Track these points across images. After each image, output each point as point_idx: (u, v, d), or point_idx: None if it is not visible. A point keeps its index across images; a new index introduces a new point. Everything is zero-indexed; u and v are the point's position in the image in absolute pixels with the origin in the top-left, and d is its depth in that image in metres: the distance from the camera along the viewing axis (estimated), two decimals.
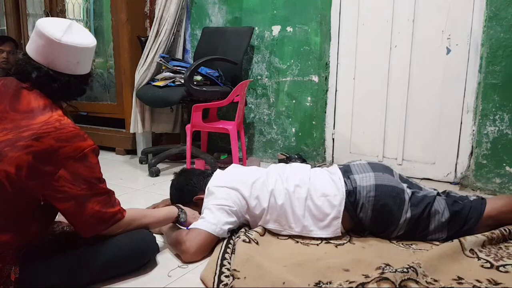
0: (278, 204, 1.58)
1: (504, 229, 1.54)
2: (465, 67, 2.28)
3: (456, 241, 1.46)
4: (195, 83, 2.52)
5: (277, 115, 2.89)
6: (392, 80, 2.53)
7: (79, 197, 1.19)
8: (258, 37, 2.87)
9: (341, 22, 2.67)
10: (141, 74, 2.81)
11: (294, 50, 2.76)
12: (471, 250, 1.44)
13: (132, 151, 3.21)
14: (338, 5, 2.65)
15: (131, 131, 2.94)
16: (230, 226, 1.57)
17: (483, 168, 2.22)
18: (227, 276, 1.30)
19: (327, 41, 2.71)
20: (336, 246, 1.54)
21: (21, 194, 1.15)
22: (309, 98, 2.76)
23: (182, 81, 2.53)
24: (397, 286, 1.18)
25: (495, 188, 2.20)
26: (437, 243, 1.54)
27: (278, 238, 1.61)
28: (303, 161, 2.69)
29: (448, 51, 2.33)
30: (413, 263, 1.30)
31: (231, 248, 1.47)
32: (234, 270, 1.28)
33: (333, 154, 2.82)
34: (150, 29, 2.94)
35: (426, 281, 1.25)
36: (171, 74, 2.66)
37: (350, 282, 1.24)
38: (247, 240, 1.48)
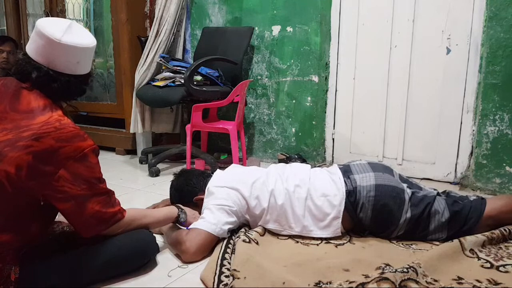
0: (278, 204, 1.58)
1: (504, 229, 1.54)
2: (465, 67, 2.28)
3: (456, 241, 1.46)
4: (195, 83, 2.52)
5: (277, 115, 2.89)
6: (392, 80, 2.53)
7: (79, 197, 1.19)
8: (258, 37, 2.87)
9: (341, 22, 2.67)
10: (141, 74, 2.81)
11: (294, 50, 2.76)
12: (471, 250, 1.44)
13: (132, 151, 3.21)
14: (338, 5, 2.65)
15: (131, 131, 2.94)
16: (230, 226, 1.57)
17: (483, 168, 2.22)
18: (227, 276, 1.30)
19: (327, 41, 2.71)
20: (336, 246, 1.54)
21: (21, 194, 1.15)
22: (309, 98, 2.76)
23: (182, 81, 2.53)
24: (397, 286, 1.18)
25: (495, 188, 2.20)
26: (437, 243, 1.54)
27: (278, 238, 1.61)
28: (303, 161, 2.69)
29: (448, 51, 2.33)
30: (413, 263, 1.30)
31: (231, 248, 1.48)
32: (234, 270, 1.28)
33: (333, 154, 2.82)
34: (150, 29, 2.94)
35: (426, 281, 1.25)
36: (171, 74, 2.66)
37: (350, 282, 1.24)
38: (247, 240, 1.48)
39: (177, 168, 2.12)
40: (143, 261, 1.42)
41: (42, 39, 1.20)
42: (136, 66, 2.88)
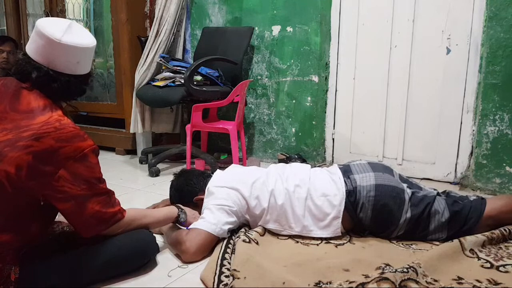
0: (278, 204, 1.58)
1: (504, 229, 1.54)
2: (465, 67, 2.28)
3: (456, 241, 1.46)
4: (195, 83, 2.52)
5: (277, 115, 2.89)
6: (392, 80, 2.53)
7: (79, 197, 1.19)
8: (258, 37, 2.87)
9: (341, 22, 2.67)
10: (141, 74, 2.81)
11: (294, 50, 2.76)
12: (471, 250, 1.44)
13: (132, 151, 3.21)
14: (338, 5, 2.65)
15: (131, 131, 2.94)
16: (230, 226, 1.57)
17: (483, 168, 2.22)
18: (227, 276, 1.30)
19: (327, 41, 2.71)
20: (336, 246, 1.54)
21: (21, 194, 1.15)
22: (309, 98, 2.76)
23: (182, 81, 2.53)
24: (397, 286, 1.18)
25: (495, 188, 2.20)
26: (437, 243, 1.54)
27: (278, 238, 1.61)
28: (303, 161, 2.69)
29: (448, 51, 2.33)
30: (413, 263, 1.30)
31: (231, 248, 1.48)
32: (234, 270, 1.28)
33: (333, 154, 2.82)
34: (150, 29, 2.94)
35: (426, 281, 1.25)
36: (171, 74, 2.66)
37: (350, 282, 1.24)
38: (247, 240, 1.48)
39: (177, 168, 2.12)
40: (143, 261, 1.42)
41: (42, 39, 1.20)
42: (136, 66, 2.88)
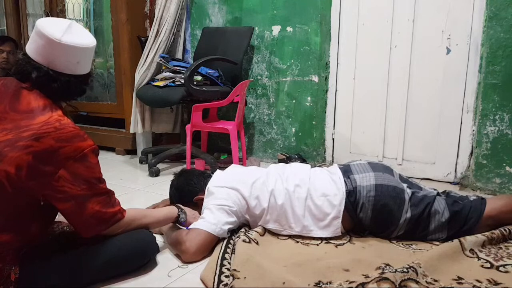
0: (278, 204, 1.58)
1: (504, 229, 1.54)
2: (465, 67, 2.28)
3: (456, 241, 1.46)
4: (195, 83, 2.52)
5: (277, 115, 2.89)
6: (392, 80, 2.53)
7: (79, 197, 1.20)
8: (258, 37, 2.87)
9: (341, 22, 2.67)
10: (141, 74, 2.81)
11: (294, 50, 2.76)
12: (471, 250, 1.44)
13: (132, 151, 3.21)
14: (338, 5, 2.65)
15: (131, 131, 2.94)
16: (230, 226, 1.57)
17: (483, 168, 2.22)
18: (227, 276, 1.30)
19: (327, 41, 2.71)
20: (336, 246, 1.54)
21: (21, 194, 1.15)
22: (309, 98, 2.76)
23: (182, 81, 2.53)
24: (397, 286, 1.18)
25: (495, 188, 2.20)
26: (437, 243, 1.54)
27: (278, 238, 1.61)
28: (303, 161, 2.69)
29: (448, 51, 2.33)
30: (413, 263, 1.30)
31: (231, 248, 1.48)
32: (234, 270, 1.28)
33: (333, 154, 2.82)
34: (150, 29, 2.94)
35: (426, 281, 1.25)
36: (171, 74, 2.66)
37: (350, 282, 1.24)
38: (247, 240, 1.48)
39: (177, 168, 2.12)
40: (143, 261, 1.42)
41: (42, 39, 1.20)
42: (136, 66, 2.88)
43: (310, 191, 1.59)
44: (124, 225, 1.33)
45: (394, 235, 1.58)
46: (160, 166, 2.74)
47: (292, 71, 2.79)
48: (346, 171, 1.65)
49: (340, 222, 1.57)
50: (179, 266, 1.45)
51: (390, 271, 1.24)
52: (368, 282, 1.21)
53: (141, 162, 2.95)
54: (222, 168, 1.85)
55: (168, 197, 1.85)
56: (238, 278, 1.25)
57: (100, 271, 1.31)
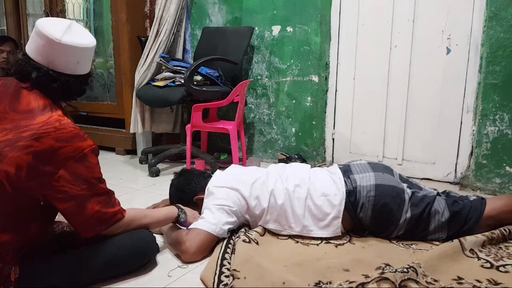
0: (278, 204, 1.58)
1: (504, 229, 1.54)
2: (465, 67, 2.28)
3: (456, 241, 1.46)
4: (195, 83, 2.52)
5: (277, 115, 2.89)
6: (392, 80, 2.53)
7: (79, 197, 1.19)
8: (258, 37, 2.87)
9: (341, 22, 2.67)
10: (141, 74, 2.81)
11: (294, 50, 2.76)
12: (471, 250, 1.44)
13: (132, 151, 3.21)
14: (338, 5, 2.65)
15: (131, 131, 2.94)
16: (230, 226, 1.57)
17: (483, 168, 2.22)
18: (227, 276, 1.30)
19: (327, 41, 2.71)
20: (336, 246, 1.54)
21: (21, 194, 1.15)
22: (309, 98, 2.76)
23: (182, 81, 2.53)
24: (397, 286, 1.18)
25: (495, 188, 2.20)
26: (437, 243, 1.54)
27: (278, 238, 1.61)
28: (303, 161, 2.69)
29: (448, 51, 2.33)
30: (413, 263, 1.30)
31: (231, 248, 1.48)
32: (234, 270, 1.28)
33: (333, 154, 2.82)
34: (150, 29, 2.94)
35: (426, 281, 1.25)
36: (171, 74, 2.66)
37: (350, 282, 1.24)
38: (247, 240, 1.48)
39: (177, 168, 2.13)
40: (143, 261, 1.42)
41: (42, 39, 1.20)
42: (136, 66, 2.88)
43: (310, 191, 1.59)
44: (124, 225, 1.33)
45: (394, 235, 1.58)
46: (160, 166, 2.74)
47: (292, 71, 2.79)
48: (346, 171, 1.65)
49: (340, 222, 1.57)
50: (179, 266, 1.45)
51: (390, 271, 1.24)
52: (368, 282, 1.21)
53: (141, 162, 2.95)
54: (222, 168, 1.85)
55: (168, 197, 1.85)
56: (238, 278, 1.25)
57: (100, 271, 1.31)
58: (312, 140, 2.79)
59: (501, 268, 1.35)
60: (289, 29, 2.75)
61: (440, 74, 2.37)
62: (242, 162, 2.71)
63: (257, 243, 1.51)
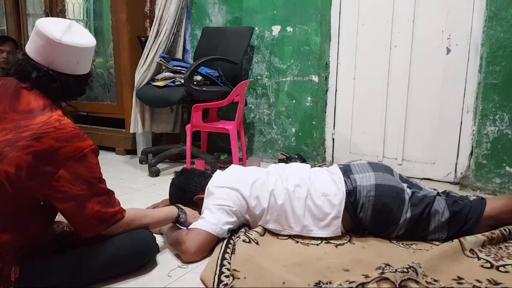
0: (278, 204, 1.58)
1: (504, 229, 1.54)
2: (465, 67, 2.28)
3: (456, 241, 1.46)
4: (195, 83, 2.52)
5: (277, 115, 2.89)
6: (392, 80, 2.53)
7: (79, 197, 1.19)
8: (258, 37, 2.87)
9: (341, 22, 2.67)
10: (141, 74, 2.81)
11: (294, 50, 2.76)
12: (471, 250, 1.44)
13: (132, 151, 3.21)
14: (338, 5, 2.65)
15: (131, 131, 2.94)
16: (230, 226, 1.57)
17: (483, 168, 2.22)
18: (227, 276, 1.30)
19: (327, 41, 2.71)
20: (336, 246, 1.54)
21: (21, 194, 1.15)
22: (309, 98, 2.76)
23: (182, 81, 2.53)
24: (397, 286, 1.18)
25: (495, 188, 2.20)
26: (437, 243, 1.54)
27: (278, 238, 1.61)
28: (303, 161, 2.69)
29: (448, 51, 2.33)
30: (413, 263, 1.30)
31: (231, 248, 1.48)
32: (234, 270, 1.28)
33: (333, 154, 2.82)
34: (150, 29, 2.94)
35: (426, 281, 1.25)
36: (171, 74, 2.66)
37: (350, 282, 1.24)
38: (247, 240, 1.48)
39: (177, 168, 2.12)
40: (143, 261, 1.42)
41: (42, 39, 1.20)
42: (136, 66, 2.88)
43: (310, 191, 1.59)
44: (124, 225, 1.33)
45: (394, 235, 1.58)
46: (160, 166, 2.74)
47: (292, 71, 2.79)
48: (346, 171, 1.65)
49: (340, 222, 1.57)
50: (179, 266, 1.45)
51: (390, 271, 1.24)
52: (368, 282, 1.21)
53: (141, 162, 2.95)
54: (222, 168, 1.85)
55: (168, 197, 1.85)
56: (238, 278, 1.25)
57: (100, 271, 1.31)
58: (312, 140, 2.79)
59: (501, 268, 1.35)
60: (289, 29, 2.75)
61: (440, 74, 2.37)
62: (242, 162, 2.71)
63: (257, 243, 1.51)
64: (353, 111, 2.70)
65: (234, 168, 1.79)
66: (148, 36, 2.91)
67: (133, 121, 2.90)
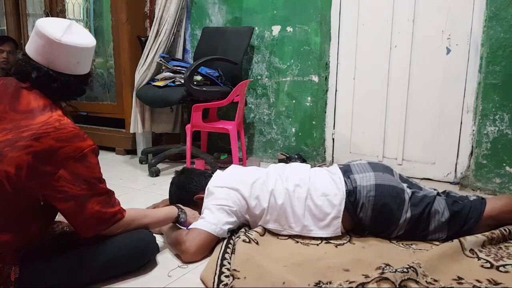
0: (278, 204, 1.58)
1: (504, 229, 1.54)
2: (465, 67, 2.28)
3: (456, 241, 1.46)
4: (195, 83, 2.52)
5: (277, 115, 2.89)
6: (392, 80, 2.53)
7: (79, 197, 1.19)
8: (258, 37, 2.87)
9: (341, 22, 2.67)
10: (141, 74, 2.81)
11: (294, 50, 2.76)
12: (471, 250, 1.44)
13: (132, 151, 3.21)
14: (338, 5, 2.65)
15: (131, 131, 2.94)
16: (230, 226, 1.57)
17: (483, 168, 2.22)
18: (227, 276, 1.30)
19: (327, 41, 2.71)
20: (336, 246, 1.54)
21: (21, 194, 1.15)
22: (309, 98, 2.76)
23: (182, 81, 2.53)
24: (397, 286, 1.18)
25: (495, 188, 2.20)
26: (437, 243, 1.54)
27: (278, 238, 1.61)
28: (303, 161, 2.69)
29: (448, 51, 2.33)
30: (413, 263, 1.30)
31: (231, 248, 1.48)
32: (234, 270, 1.28)
33: (333, 154, 2.82)
34: (150, 29, 2.94)
35: (426, 281, 1.25)
36: (171, 74, 2.66)
37: (350, 282, 1.24)
38: (247, 240, 1.48)
39: (177, 168, 2.12)
40: (143, 261, 1.42)
41: (42, 39, 1.20)
42: (136, 66, 2.88)
43: (310, 191, 1.59)
44: (124, 225, 1.33)
45: (394, 235, 1.58)
46: (160, 166, 2.74)
47: (292, 71, 2.79)
48: (346, 171, 1.65)
49: (340, 222, 1.57)
50: (179, 266, 1.45)
51: (390, 271, 1.24)
52: (368, 282, 1.21)
53: (141, 162, 2.95)
54: (222, 168, 1.85)
55: (168, 197, 1.85)
56: (238, 278, 1.25)
57: (100, 271, 1.31)
58: (312, 140, 2.79)
59: (501, 268, 1.35)
60: (289, 29, 2.75)
61: (440, 74, 2.37)
62: (242, 162, 2.71)
63: (257, 243, 1.51)
64: (353, 111, 2.70)
65: (234, 168, 1.79)
66: (148, 36, 2.91)
67: (133, 121, 2.90)
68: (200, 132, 2.94)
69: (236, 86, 2.57)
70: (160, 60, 2.74)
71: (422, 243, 1.55)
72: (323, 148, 2.82)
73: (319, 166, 2.55)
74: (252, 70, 2.94)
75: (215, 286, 1.27)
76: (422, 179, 2.45)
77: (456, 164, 2.38)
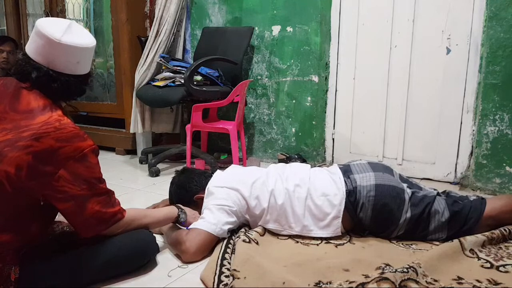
0: (278, 204, 1.58)
1: (504, 229, 1.54)
2: (465, 67, 2.28)
3: (456, 241, 1.46)
4: (195, 83, 2.52)
5: (277, 115, 2.89)
6: (392, 80, 2.53)
7: (79, 197, 1.20)
8: (258, 37, 2.87)
9: (341, 22, 2.67)
10: (141, 74, 2.81)
11: (294, 50, 2.76)
12: (471, 250, 1.44)
13: (132, 151, 3.21)
14: (338, 5, 2.65)
15: (131, 131, 2.94)
16: (230, 226, 1.57)
17: (483, 168, 2.22)
18: (227, 276, 1.30)
19: (327, 41, 2.71)
20: (336, 246, 1.54)
21: (21, 194, 1.15)
22: (309, 98, 2.76)
23: (182, 81, 2.53)
24: (397, 286, 1.18)
25: (495, 188, 2.20)
26: (437, 243, 1.54)
27: (278, 238, 1.61)
28: (303, 161, 2.69)
29: (448, 51, 2.33)
30: (413, 263, 1.30)
31: (231, 248, 1.48)
32: (234, 270, 1.28)
33: (333, 154, 2.82)
34: (150, 29, 2.94)
35: (426, 281, 1.25)
36: (171, 74, 2.66)
37: (350, 282, 1.24)
38: (247, 240, 1.48)
39: (177, 168, 2.12)
40: (143, 261, 1.42)
41: (42, 39, 1.20)
42: (136, 66, 2.88)
43: (310, 191, 1.59)
44: (124, 225, 1.33)
45: (394, 235, 1.58)
46: (160, 166, 2.74)
47: (292, 71, 2.79)
48: (346, 171, 1.65)
49: (340, 222, 1.57)
50: (179, 266, 1.45)
51: (390, 271, 1.24)
52: (368, 282, 1.21)
53: (141, 162, 2.95)
54: (222, 168, 1.85)
55: (168, 197, 1.85)
56: (238, 278, 1.25)
57: (100, 271, 1.31)
58: (312, 140, 2.79)
59: (501, 268, 1.35)
60: (289, 29, 2.75)
61: (440, 74, 2.37)
62: (242, 162, 2.72)
63: (257, 243, 1.51)
64: (353, 111, 2.70)
65: (234, 168, 1.79)
66: (148, 36, 2.91)
67: (133, 121, 2.90)
68: (200, 132, 2.94)
69: (236, 86, 2.57)
70: (160, 60, 2.74)
71: (422, 243, 1.55)
72: (323, 148, 2.82)
73: (319, 166, 2.55)
74: (252, 70, 2.94)
75: (215, 286, 1.27)
76: (422, 179, 2.45)
77: (456, 164, 2.38)
